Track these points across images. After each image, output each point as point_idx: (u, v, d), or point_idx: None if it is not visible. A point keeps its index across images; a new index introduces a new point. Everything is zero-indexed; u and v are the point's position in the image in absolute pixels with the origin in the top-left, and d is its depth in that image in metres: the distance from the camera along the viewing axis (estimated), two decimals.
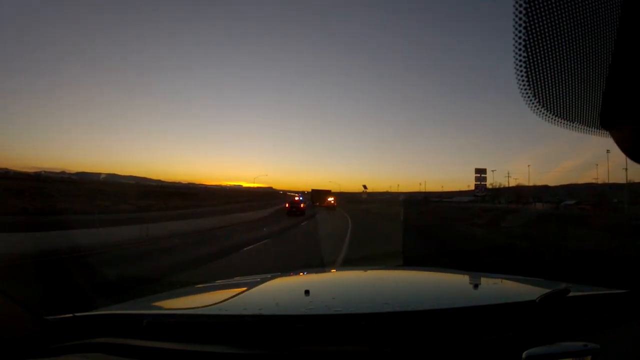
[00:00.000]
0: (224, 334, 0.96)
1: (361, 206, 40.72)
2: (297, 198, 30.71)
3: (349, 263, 7.20)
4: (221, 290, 1.68)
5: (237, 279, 1.99)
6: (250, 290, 1.48)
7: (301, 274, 2.38)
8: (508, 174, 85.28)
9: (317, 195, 46.30)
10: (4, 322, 0.97)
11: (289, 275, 2.22)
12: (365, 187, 49.22)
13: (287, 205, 27.36)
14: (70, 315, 1.07)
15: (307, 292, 1.29)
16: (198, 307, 1.23)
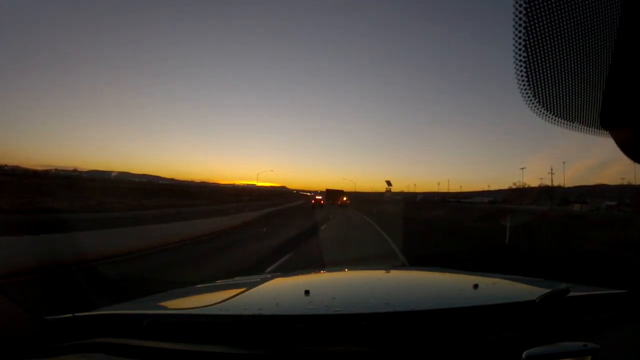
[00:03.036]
0: (224, 334, 0.96)
1: (388, 209, 28.99)
2: (318, 197, 45.45)
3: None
4: (221, 291, 1.67)
5: (237, 279, 1.99)
6: (250, 290, 1.48)
7: (301, 274, 2.38)
8: (551, 169, 64.37)
9: (331, 195, 51.89)
10: (4, 322, 0.97)
11: (289, 275, 2.22)
12: (389, 183, 40.27)
13: (312, 201, 40.99)
14: (70, 315, 1.06)
15: (307, 292, 1.29)
16: (198, 307, 1.23)
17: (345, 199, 48.00)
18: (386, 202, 40.84)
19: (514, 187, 74.10)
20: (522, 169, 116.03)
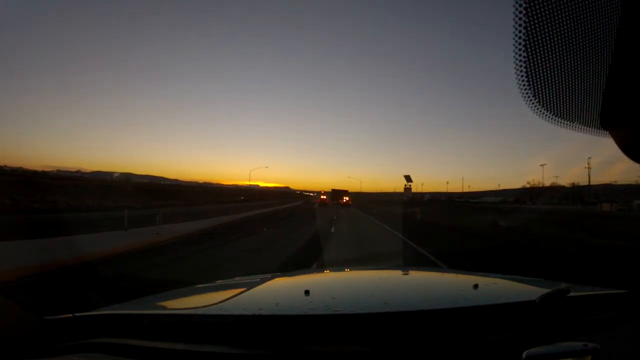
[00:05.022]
0: (224, 334, 0.96)
1: (421, 218, 20.48)
2: (323, 197, 50.87)
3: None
4: (221, 291, 1.67)
5: (237, 279, 1.99)
6: (250, 290, 1.48)
7: (301, 274, 2.37)
8: (588, 163, 55.16)
9: (336, 194, 56.30)
10: (4, 322, 0.97)
11: (289, 275, 2.22)
12: (408, 179, 30.81)
13: (319, 200, 45.25)
14: (70, 315, 1.06)
15: (307, 292, 1.29)
16: (198, 307, 1.23)
17: (347, 199, 52.36)
18: (407, 204, 30.24)
19: (527, 186, 73.24)
20: (542, 165, 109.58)
